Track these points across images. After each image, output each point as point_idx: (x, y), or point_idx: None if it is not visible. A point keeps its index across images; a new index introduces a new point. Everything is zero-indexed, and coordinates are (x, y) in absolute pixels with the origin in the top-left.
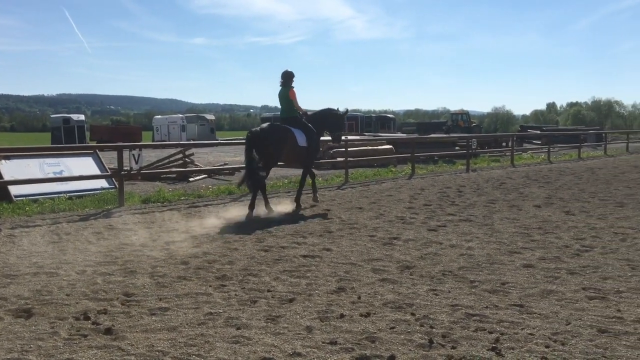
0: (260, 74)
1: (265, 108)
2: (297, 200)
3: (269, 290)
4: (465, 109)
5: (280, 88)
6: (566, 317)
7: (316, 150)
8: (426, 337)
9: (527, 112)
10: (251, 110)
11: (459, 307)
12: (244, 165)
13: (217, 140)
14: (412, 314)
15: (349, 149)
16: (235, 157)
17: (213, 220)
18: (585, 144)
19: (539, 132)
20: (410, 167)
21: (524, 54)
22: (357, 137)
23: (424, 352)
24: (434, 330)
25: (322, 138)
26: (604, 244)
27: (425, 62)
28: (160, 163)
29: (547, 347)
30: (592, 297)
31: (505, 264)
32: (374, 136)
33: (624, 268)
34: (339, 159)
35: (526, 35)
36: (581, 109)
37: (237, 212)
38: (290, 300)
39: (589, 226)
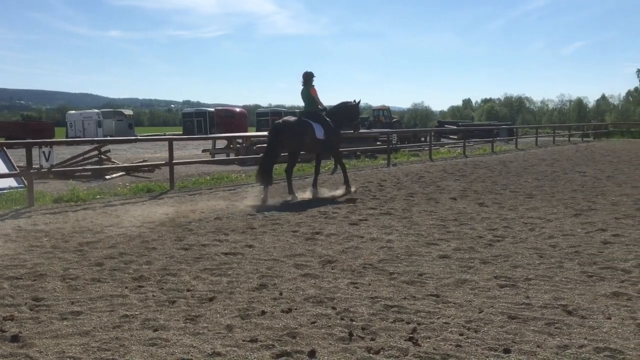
0: (182, 68)
1: (187, 103)
2: (346, 183)
3: (188, 290)
4: (386, 105)
5: (302, 87)
6: (479, 305)
7: (336, 141)
8: (346, 330)
9: (445, 108)
10: (172, 106)
11: (379, 299)
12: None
13: (135, 136)
14: (333, 308)
15: None
16: (156, 153)
17: (130, 219)
18: (498, 138)
19: (455, 127)
20: (333, 162)
21: (442, 52)
22: None
23: (344, 345)
24: (354, 323)
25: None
26: (514, 234)
27: (348, 58)
28: (74, 160)
29: (461, 334)
30: (503, 285)
31: (423, 255)
32: None
33: (532, 256)
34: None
35: (444, 34)
36: (494, 105)
37: (164, 209)
38: (211, 299)
39: (501, 217)
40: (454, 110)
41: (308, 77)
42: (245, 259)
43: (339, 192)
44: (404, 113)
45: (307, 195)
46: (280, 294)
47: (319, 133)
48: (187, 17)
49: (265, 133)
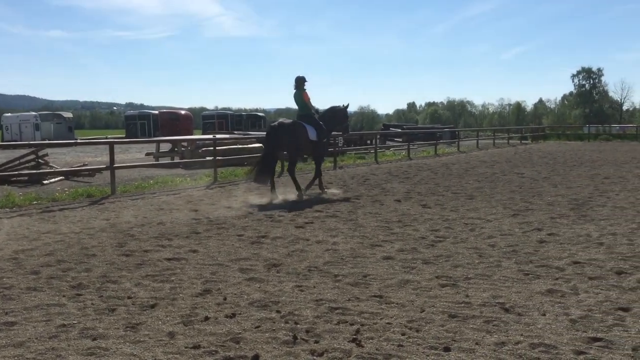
0: (125, 69)
1: (130, 105)
2: (320, 187)
3: (129, 297)
4: None
5: (294, 91)
6: (421, 305)
7: (326, 144)
8: (290, 334)
9: (390, 111)
10: (115, 108)
11: (323, 302)
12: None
13: (75, 139)
14: (278, 312)
15: (218, 148)
16: (97, 157)
17: (69, 225)
18: (441, 141)
19: (400, 130)
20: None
21: (387, 55)
22: (227, 136)
23: (287, 349)
24: (298, 326)
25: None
26: (455, 234)
27: (295, 61)
28: (9, 165)
29: (403, 334)
30: (444, 284)
31: (368, 257)
32: (244, 134)
33: (472, 256)
34: (208, 158)
35: (388, 38)
36: (438, 109)
37: (105, 215)
38: (152, 306)
39: (443, 218)
40: (399, 113)
41: (300, 82)
42: (189, 264)
43: (294, 196)
44: (350, 116)
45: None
46: (225, 299)
47: (312, 135)
48: (129, 17)
49: (211, 136)
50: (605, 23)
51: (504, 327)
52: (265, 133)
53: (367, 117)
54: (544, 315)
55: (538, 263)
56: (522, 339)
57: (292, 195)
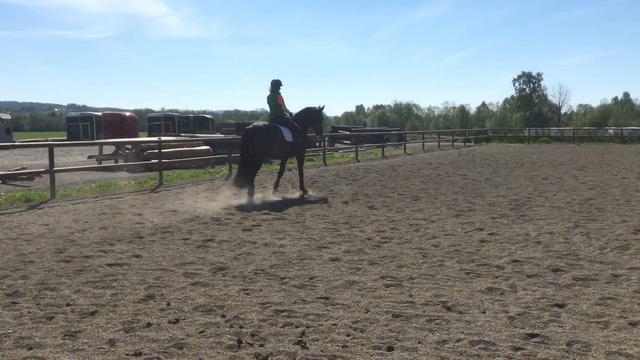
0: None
1: (72, 107)
2: (302, 188)
3: (68, 305)
4: None
5: (269, 93)
6: (366, 306)
7: (303, 144)
8: (235, 338)
9: (339, 114)
10: (56, 110)
11: (269, 305)
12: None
13: (13, 142)
14: (223, 316)
15: (163, 150)
16: (36, 160)
17: (5, 231)
18: (389, 143)
19: (348, 132)
20: (228, 168)
21: (335, 58)
22: (173, 138)
23: (232, 354)
24: (243, 330)
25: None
26: (400, 235)
27: (242, 63)
28: None
29: (348, 335)
30: (389, 284)
31: (314, 259)
32: (191, 137)
33: (416, 256)
34: (153, 161)
35: (336, 42)
36: (385, 111)
37: (44, 220)
38: (92, 313)
39: (389, 219)
40: (347, 115)
41: (276, 85)
42: (132, 269)
43: (296, 195)
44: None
45: (275, 196)
46: (168, 304)
47: (288, 136)
48: (70, 16)
49: (156, 139)
50: (544, 29)
51: (446, 325)
52: (241, 136)
53: None
54: (484, 312)
55: (479, 262)
56: (462, 336)
57: (273, 197)
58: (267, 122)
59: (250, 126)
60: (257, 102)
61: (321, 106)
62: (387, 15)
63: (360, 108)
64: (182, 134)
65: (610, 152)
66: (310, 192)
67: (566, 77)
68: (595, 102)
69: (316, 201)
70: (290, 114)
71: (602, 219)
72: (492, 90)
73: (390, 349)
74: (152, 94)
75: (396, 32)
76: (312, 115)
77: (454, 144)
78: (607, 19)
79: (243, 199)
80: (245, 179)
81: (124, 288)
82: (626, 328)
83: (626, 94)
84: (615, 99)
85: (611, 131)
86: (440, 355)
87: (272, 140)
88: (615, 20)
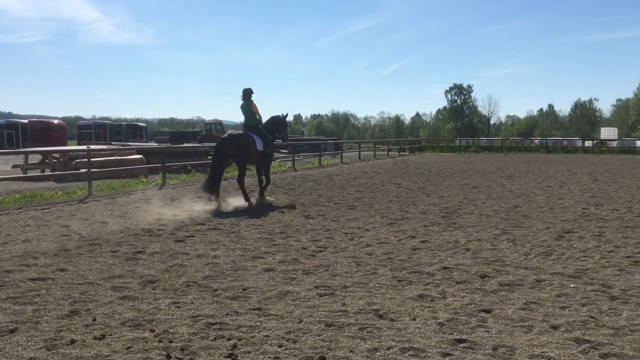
0: None
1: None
2: (262, 195)
3: None
4: (219, 118)
5: (242, 102)
6: (299, 316)
7: (271, 153)
8: (164, 353)
9: None
10: None
11: (200, 317)
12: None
13: None
14: (152, 331)
15: (93, 159)
16: None
17: None
18: (325, 152)
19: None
20: (161, 177)
21: (272, 67)
22: (104, 147)
23: None
24: (172, 344)
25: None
26: (335, 244)
27: (179, 70)
28: None
29: (280, 346)
30: (322, 294)
31: (249, 269)
32: (123, 145)
33: (350, 265)
34: (82, 170)
35: (273, 50)
36: (323, 121)
37: None
38: (12, 331)
39: (324, 228)
40: None
41: (248, 93)
42: (56, 284)
43: (254, 200)
44: (238, 127)
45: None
46: (94, 319)
47: (259, 145)
48: None
49: (84, 147)
50: (474, 43)
51: (378, 333)
52: (216, 145)
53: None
54: (415, 319)
55: (411, 269)
56: (393, 344)
57: (241, 203)
58: (241, 131)
59: (226, 135)
60: (193, 109)
61: (285, 114)
62: (325, 26)
63: (298, 117)
64: (113, 143)
65: (536, 161)
66: (270, 199)
67: (495, 89)
68: (522, 113)
69: (266, 209)
70: (260, 121)
71: (527, 225)
72: (426, 100)
73: (322, 358)
74: (83, 102)
75: (333, 43)
76: (279, 124)
77: (389, 153)
78: (534, 33)
79: (206, 206)
80: (214, 185)
81: (47, 303)
82: (548, 331)
83: (551, 106)
84: (541, 110)
85: (537, 141)
86: None
87: (247, 149)
88: (542, 34)
